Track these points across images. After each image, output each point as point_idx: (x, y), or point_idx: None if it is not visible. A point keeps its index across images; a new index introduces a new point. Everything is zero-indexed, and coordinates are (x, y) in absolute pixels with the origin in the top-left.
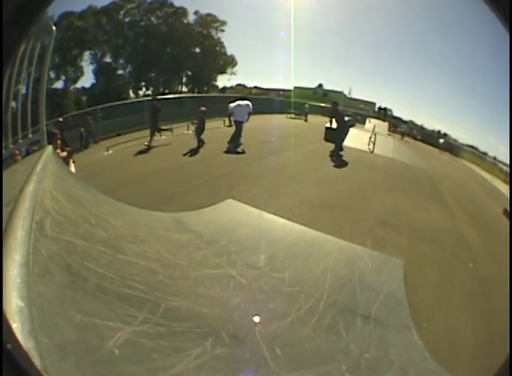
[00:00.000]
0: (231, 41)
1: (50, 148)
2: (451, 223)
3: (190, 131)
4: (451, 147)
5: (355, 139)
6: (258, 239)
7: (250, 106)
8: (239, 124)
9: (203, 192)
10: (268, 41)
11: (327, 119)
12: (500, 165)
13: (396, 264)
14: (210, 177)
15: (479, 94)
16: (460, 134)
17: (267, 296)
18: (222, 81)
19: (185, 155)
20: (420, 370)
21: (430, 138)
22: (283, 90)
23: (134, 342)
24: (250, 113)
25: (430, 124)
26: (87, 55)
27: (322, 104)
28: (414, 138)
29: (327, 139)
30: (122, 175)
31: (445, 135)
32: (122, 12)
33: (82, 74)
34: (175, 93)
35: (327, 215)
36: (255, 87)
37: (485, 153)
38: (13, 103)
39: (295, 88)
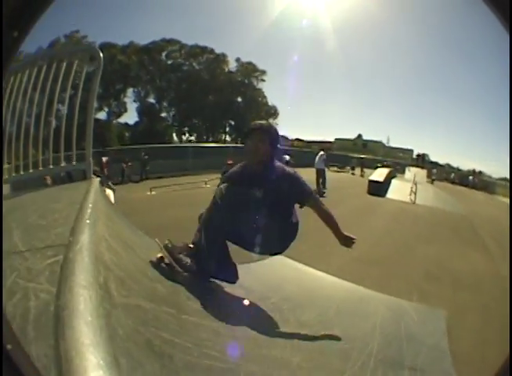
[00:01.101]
0: (272, 91)
1: (97, 182)
2: (491, 267)
3: None
4: (486, 185)
5: (397, 189)
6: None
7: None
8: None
9: None
10: (309, 93)
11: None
12: None
13: (440, 315)
14: None
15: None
16: (494, 168)
17: (322, 353)
18: None
19: None
20: None
21: (466, 180)
22: (324, 142)
23: None
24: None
25: (466, 164)
26: (130, 92)
27: (363, 155)
28: (452, 182)
29: (371, 192)
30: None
31: (480, 172)
32: (164, 54)
33: (125, 110)
34: (218, 141)
35: (373, 271)
36: (297, 139)
37: None
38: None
39: (336, 139)
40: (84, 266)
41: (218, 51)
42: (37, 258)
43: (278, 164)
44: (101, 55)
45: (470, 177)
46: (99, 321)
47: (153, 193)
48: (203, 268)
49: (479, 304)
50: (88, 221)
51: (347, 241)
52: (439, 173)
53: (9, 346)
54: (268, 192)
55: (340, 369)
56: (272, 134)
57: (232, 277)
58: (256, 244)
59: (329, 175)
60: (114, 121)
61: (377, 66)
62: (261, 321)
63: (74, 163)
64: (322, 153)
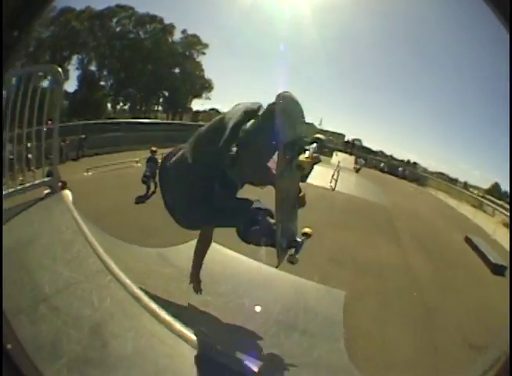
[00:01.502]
0: (210, 64)
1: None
2: (398, 259)
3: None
4: (418, 177)
5: (320, 175)
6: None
7: None
8: None
9: None
10: (245, 67)
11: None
12: (469, 192)
13: (338, 294)
14: None
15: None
16: (431, 162)
17: (232, 314)
18: (197, 104)
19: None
20: (337, 367)
21: (396, 170)
22: None
23: None
24: None
25: (401, 154)
26: (75, 59)
27: None
28: (382, 170)
29: None
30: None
31: (415, 164)
32: (115, 20)
33: (67, 78)
34: (151, 112)
35: None
36: None
37: (456, 180)
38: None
39: None
40: None
41: (167, 21)
42: None
43: None
44: (61, 74)
45: (400, 168)
46: None
47: (89, 173)
48: None
49: (380, 289)
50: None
51: None
52: (369, 161)
53: (9, 346)
54: None
55: (243, 326)
56: None
57: None
58: None
59: None
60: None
61: (324, 49)
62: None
63: (46, 179)
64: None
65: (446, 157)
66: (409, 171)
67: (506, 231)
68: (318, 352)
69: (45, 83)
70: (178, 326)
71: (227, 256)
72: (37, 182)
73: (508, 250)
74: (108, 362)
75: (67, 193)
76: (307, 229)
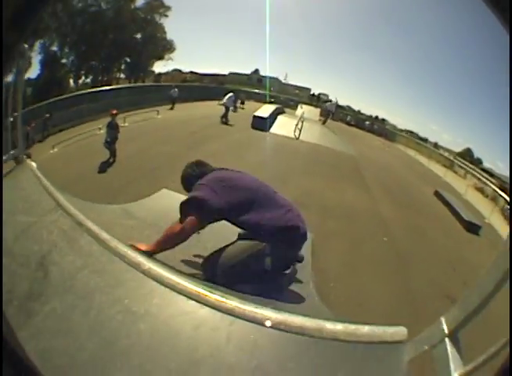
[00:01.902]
0: (172, 26)
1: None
2: (367, 203)
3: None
4: (385, 132)
5: (283, 125)
6: None
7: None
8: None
9: None
10: (207, 26)
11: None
12: (441, 151)
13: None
14: None
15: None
16: (400, 120)
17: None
18: (159, 66)
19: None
20: (307, 308)
21: (363, 123)
22: (218, 75)
23: None
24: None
25: (368, 109)
26: (37, 45)
27: (256, 90)
28: (348, 123)
29: (255, 127)
30: None
31: (384, 120)
32: None
33: (30, 65)
34: (111, 82)
35: None
36: (191, 72)
37: (425, 139)
38: None
39: (230, 73)
40: None
41: None
42: None
43: None
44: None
45: (367, 122)
46: None
47: (55, 150)
48: None
49: (348, 232)
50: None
51: None
52: (335, 114)
53: (8, 346)
54: None
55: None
56: None
57: None
58: None
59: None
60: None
61: (293, 4)
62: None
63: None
64: (231, 94)
65: (416, 116)
66: (377, 126)
67: (478, 194)
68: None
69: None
70: (114, 243)
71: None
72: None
73: (476, 208)
74: (47, 292)
75: (32, 162)
76: None
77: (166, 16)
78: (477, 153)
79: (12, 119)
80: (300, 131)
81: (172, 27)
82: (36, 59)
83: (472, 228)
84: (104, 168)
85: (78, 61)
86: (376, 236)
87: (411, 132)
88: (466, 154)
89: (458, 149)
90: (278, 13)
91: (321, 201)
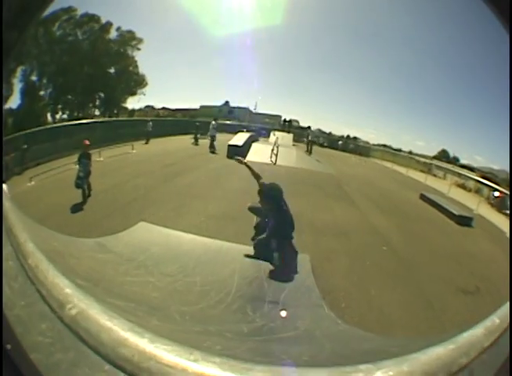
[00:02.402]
0: (145, 60)
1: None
2: (357, 217)
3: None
4: (359, 149)
5: (258, 152)
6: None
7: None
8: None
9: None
10: (177, 61)
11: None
12: (417, 158)
13: (303, 259)
14: None
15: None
16: (372, 136)
17: (181, 294)
18: (132, 102)
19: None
20: (331, 332)
21: (336, 143)
22: (189, 109)
23: None
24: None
25: (339, 130)
26: (19, 71)
27: (228, 122)
28: (321, 145)
29: (230, 156)
30: None
31: (356, 138)
32: (57, 24)
33: (12, 92)
34: (87, 117)
35: (230, 227)
36: (163, 108)
37: (399, 150)
38: None
39: (201, 107)
40: None
41: (104, 19)
42: None
43: None
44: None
45: (340, 141)
46: None
47: (33, 182)
48: None
49: (345, 248)
50: None
51: None
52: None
53: (8, 346)
54: None
55: (196, 302)
56: None
57: None
58: None
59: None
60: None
61: (257, 36)
62: (128, 278)
63: None
64: (214, 122)
65: (387, 130)
66: (352, 144)
67: (461, 191)
68: (303, 323)
69: None
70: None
71: (167, 235)
72: None
73: (463, 203)
74: None
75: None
76: None
77: (138, 49)
78: (452, 153)
79: None
80: (276, 156)
81: (144, 61)
82: (17, 87)
83: (464, 221)
84: (80, 202)
85: (56, 94)
86: (375, 246)
87: (384, 146)
88: (442, 156)
89: (433, 152)
90: (243, 42)
91: (311, 222)
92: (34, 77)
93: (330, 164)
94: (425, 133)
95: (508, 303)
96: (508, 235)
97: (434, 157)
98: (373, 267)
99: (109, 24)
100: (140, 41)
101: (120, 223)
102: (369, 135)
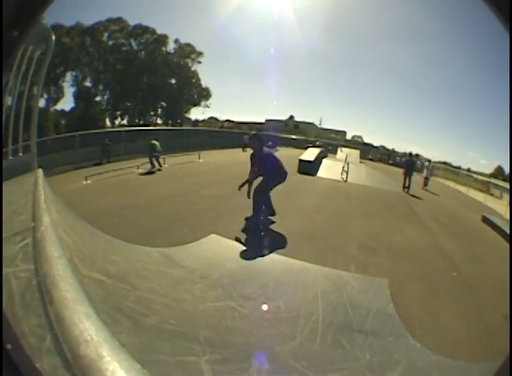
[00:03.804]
0: (207, 73)
1: (41, 172)
2: (428, 239)
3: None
4: (422, 167)
5: (329, 169)
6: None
7: None
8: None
9: None
10: (241, 75)
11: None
12: (475, 176)
13: (381, 283)
14: None
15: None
16: (436, 153)
17: (270, 322)
18: (196, 113)
19: None
20: (426, 365)
21: (399, 161)
22: (255, 123)
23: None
24: None
25: (402, 146)
26: (68, 76)
27: (294, 136)
28: (387, 163)
29: (302, 171)
30: None
31: (417, 155)
32: (106, 35)
33: (63, 95)
34: (149, 125)
35: (309, 246)
36: (227, 120)
37: (459, 167)
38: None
39: (267, 121)
40: (53, 242)
41: (159, 31)
42: (7, 245)
43: None
44: (53, 37)
45: (398, 157)
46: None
47: (89, 181)
48: None
49: (418, 271)
50: (44, 206)
51: None
52: (374, 154)
53: (8, 346)
54: None
55: (290, 335)
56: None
57: None
58: None
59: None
60: (52, 109)
61: (316, 49)
62: (205, 297)
63: (21, 154)
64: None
65: (449, 147)
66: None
67: None
68: (393, 353)
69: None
70: None
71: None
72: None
73: None
74: None
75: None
76: None
77: (199, 62)
78: (507, 169)
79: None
80: (347, 173)
81: (207, 73)
82: (69, 90)
83: None
84: (141, 205)
85: (114, 101)
86: (446, 272)
87: (445, 163)
88: (498, 173)
89: (490, 170)
90: (304, 61)
91: (387, 243)
92: (87, 83)
93: (397, 182)
94: (484, 150)
95: None
96: None
97: (491, 175)
98: (444, 294)
99: (165, 36)
100: (200, 54)
101: (188, 234)
102: (432, 152)
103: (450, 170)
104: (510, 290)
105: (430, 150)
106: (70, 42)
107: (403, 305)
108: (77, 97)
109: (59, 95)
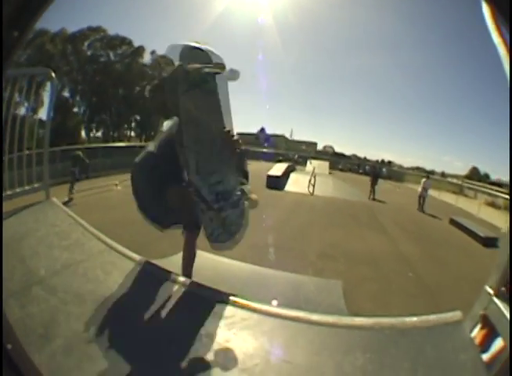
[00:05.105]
0: None
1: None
2: (387, 245)
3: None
4: (392, 174)
5: (296, 182)
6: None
7: None
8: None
9: None
10: None
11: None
12: (449, 179)
13: (335, 284)
14: None
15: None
16: (409, 159)
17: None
18: None
19: None
20: None
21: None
22: None
23: None
24: None
25: (374, 154)
26: (48, 85)
27: (265, 150)
28: (357, 172)
29: (270, 186)
30: None
31: (390, 162)
32: (87, 43)
33: (42, 104)
34: (123, 138)
35: (273, 255)
36: None
37: (432, 172)
38: None
39: (237, 134)
40: None
41: (136, 43)
42: None
43: None
44: (53, 75)
45: (367, 167)
46: None
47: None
48: None
49: (374, 274)
50: None
51: None
52: (343, 164)
53: (8, 346)
54: None
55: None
56: None
57: None
58: None
59: None
60: (30, 117)
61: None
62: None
63: (36, 185)
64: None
65: (424, 152)
66: (385, 169)
67: (491, 209)
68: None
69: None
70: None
71: (216, 261)
72: (27, 187)
73: (494, 224)
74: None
75: (55, 199)
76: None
77: None
78: (483, 170)
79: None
80: (313, 186)
81: None
82: (47, 100)
83: (490, 242)
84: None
85: (90, 112)
86: (401, 273)
87: (418, 168)
88: (473, 174)
89: (464, 172)
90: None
91: (345, 251)
92: (65, 93)
93: (365, 192)
94: (458, 152)
95: None
96: None
97: (466, 176)
98: (397, 292)
99: (142, 48)
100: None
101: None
102: (403, 158)
103: (420, 175)
104: (509, 289)
105: (403, 156)
106: (53, 49)
107: (356, 303)
108: (54, 107)
109: (38, 103)
